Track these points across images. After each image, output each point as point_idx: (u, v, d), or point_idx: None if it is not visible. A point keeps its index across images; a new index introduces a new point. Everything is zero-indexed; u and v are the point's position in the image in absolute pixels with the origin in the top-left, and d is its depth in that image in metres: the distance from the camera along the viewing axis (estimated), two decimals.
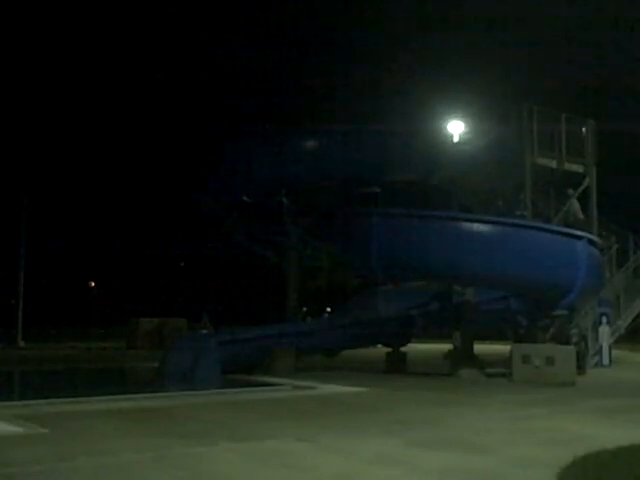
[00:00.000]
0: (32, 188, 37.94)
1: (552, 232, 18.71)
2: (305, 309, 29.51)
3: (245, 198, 22.85)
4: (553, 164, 21.43)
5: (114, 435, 9.46)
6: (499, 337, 26.46)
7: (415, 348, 25.01)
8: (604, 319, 21.46)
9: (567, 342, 18.87)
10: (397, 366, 21.16)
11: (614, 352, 22.34)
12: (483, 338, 23.20)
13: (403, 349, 22.28)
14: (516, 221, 19.51)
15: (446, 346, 22.52)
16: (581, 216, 21.32)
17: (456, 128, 22.37)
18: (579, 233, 18.47)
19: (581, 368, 17.84)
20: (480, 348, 20.02)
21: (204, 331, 28.42)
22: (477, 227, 17.97)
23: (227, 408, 12.53)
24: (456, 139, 22.27)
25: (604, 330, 21.40)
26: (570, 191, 21.65)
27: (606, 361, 21.36)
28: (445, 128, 22.39)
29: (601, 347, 21.38)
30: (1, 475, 7.13)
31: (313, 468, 7.61)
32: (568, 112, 22.06)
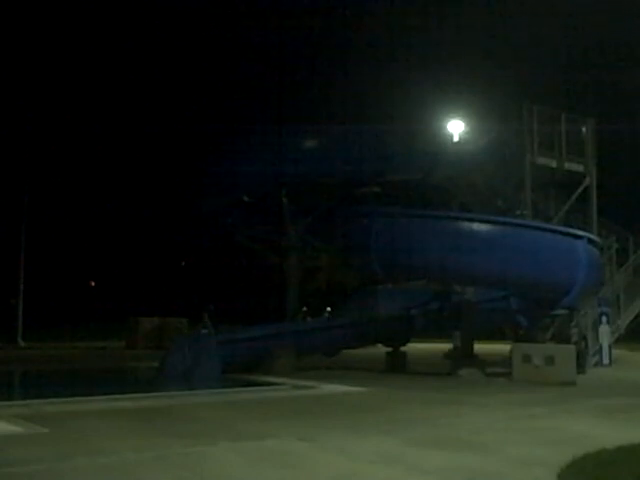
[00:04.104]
0: (32, 187, 37.92)
1: (552, 232, 18.71)
2: (305, 309, 29.43)
3: (245, 198, 22.86)
4: (553, 164, 21.45)
5: (114, 435, 9.46)
6: (499, 337, 26.46)
7: (415, 348, 25.02)
8: (604, 319, 21.45)
9: (567, 341, 18.88)
10: (397, 366, 21.17)
11: (614, 352, 22.33)
12: (483, 338, 23.18)
13: (403, 349, 22.29)
14: (516, 221, 19.52)
15: (446, 346, 22.55)
16: None
17: (456, 128, 22.39)
18: (579, 232, 18.49)
19: (581, 367, 17.84)
20: (480, 348, 20.02)
21: (204, 331, 28.35)
22: (477, 227, 17.98)
23: (227, 408, 12.53)
24: (456, 139, 22.28)
25: (604, 330, 21.39)
26: None
27: (606, 360, 21.35)
28: (445, 128, 22.40)
29: (601, 347, 21.37)
30: (1, 475, 7.13)
31: (313, 467, 7.61)
32: (568, 112, 22.07)
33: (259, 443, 8.88)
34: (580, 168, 22.10)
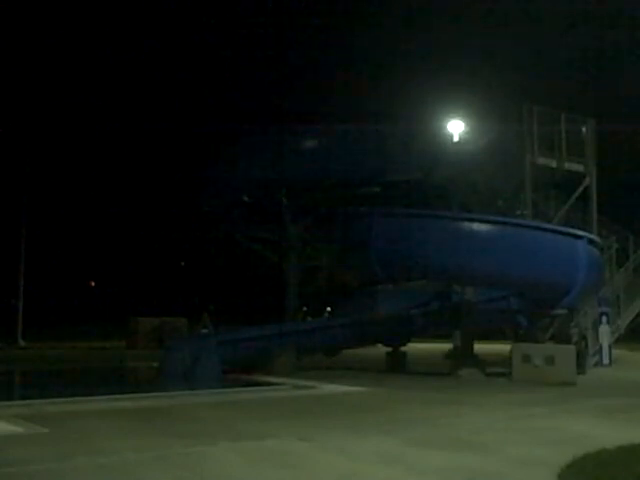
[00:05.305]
0: (32, 187, 37.93)
1: (552, 232, 18.71)
2: (305, 309, 29.45)
3: (245, 198, 22.86)
4: (553, 164, 21.45)
5: (114, 435, 9.46)
6: (499, 337, 26.46)
7: (415, 348, 25.02)
8: (604, 319, 21.44)
9: (567, 341, 18.87)
10: (397, 366, 21.17)
11: (614, 352, 22.32)
12: (483, 338, 23.19)
13: (403, 349, 22.28)
14: (516, 221, 19.51)
15: (446, 346, 22.55)
16: None
17: (456, 128, 22.37)
18: (579, 232, 18.48)
19: (581, 367, 17.84)
20: (480, 348, 20.03)
21: (204, 331, 28.38)
22: (477, 227, 17.98)
23: (227, 408, 12.53)
24: (456, 139, 22.26)
25: (604, 330, 21.38)
26: None
27: (606, 360, 21.35)
28: (445, 128, 22.38)
29: (601, 347, 21.36)
30: (1, 475, 7.13)
31: (313, 467, 7.61)
32: (568, 112, 22.07)
33: (259, 443, 8.88)
34: (580, 168, 22.10)
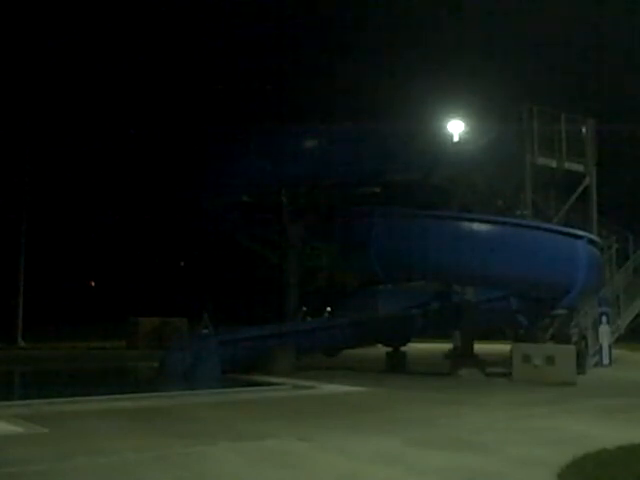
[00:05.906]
0: (32, 187, 37.91)
1: (552, 232, 18.71)
2: (305, 309, 29.44)
3: (245, 198, 22.89)
4: (553, 164, 21.44)
5: (114, 435, 9.46)
6: (499, 337, 26.47)
7: (415, 348, 25.02)
8: (604, 319, 21.43)
9: (567, 341, 18.87)
10: (397, 366, 21.18)
11: (614, 352, 22.32)
12: (483, 338, 23.19)
13: (403, 349, 22.29)
14: (516, 221, 19.51)
15: (446, 346, 22.55)
16: None
17: (456, 128, 22.37)
18: (579, 232, 18.49)
19: (581, 367, 17.83)
20: (480, 348, 20.03)
21: (204, 331, 28.37)
22: (477, 227, 17.98)
23: (227, 408, 12.54)
24: (456, 139, 22.26)
25: (604, 330, 21.38)
26: None
27: (606, 361, 21.34)
28: (445, 128, 22.39)
29: (601, 347, 21.36)
30: (1, 475, 7.13)
31: (313, 467, 7.61)
32: (568, 112, 22.07)
33: (259, 443, 8.88)
34: (580, 168, 22.09)
